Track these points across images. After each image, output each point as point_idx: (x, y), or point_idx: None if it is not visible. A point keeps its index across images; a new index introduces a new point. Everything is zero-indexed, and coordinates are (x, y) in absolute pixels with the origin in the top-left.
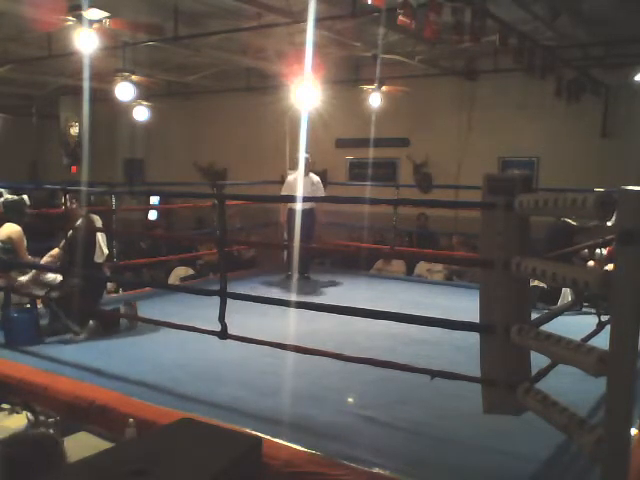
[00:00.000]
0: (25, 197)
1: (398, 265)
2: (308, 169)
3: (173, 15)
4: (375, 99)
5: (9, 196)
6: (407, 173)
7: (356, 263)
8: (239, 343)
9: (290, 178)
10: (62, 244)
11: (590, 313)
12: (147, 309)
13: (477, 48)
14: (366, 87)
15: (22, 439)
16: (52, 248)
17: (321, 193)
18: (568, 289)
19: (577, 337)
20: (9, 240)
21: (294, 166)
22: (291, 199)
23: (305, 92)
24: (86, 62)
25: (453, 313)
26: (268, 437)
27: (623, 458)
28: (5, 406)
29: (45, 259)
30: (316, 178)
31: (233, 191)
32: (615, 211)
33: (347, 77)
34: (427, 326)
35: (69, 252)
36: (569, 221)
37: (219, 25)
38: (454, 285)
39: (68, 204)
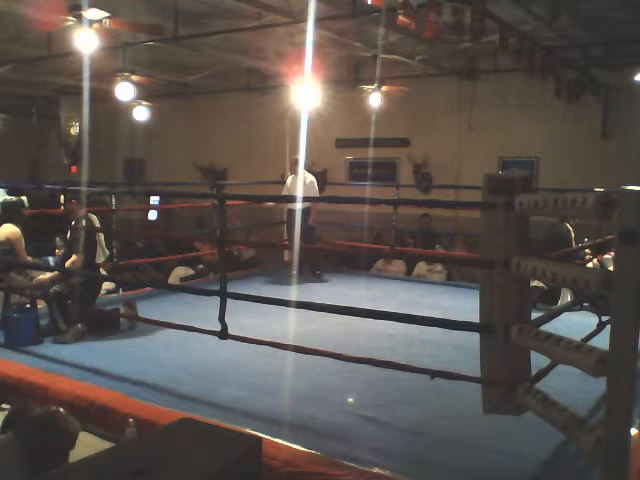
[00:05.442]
0: (24, 199)
1: (398, 265)
2: (296, 169)
3: (173, 15)
4: (375, 99)
5: (8, 197)
6: (407, 173)
7: (356, 263)
8: (239, 343)
9: (287, 180)
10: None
11: (590, 313)
12: (147, 309)
13: (477, 48)
14: (366, 87)
15: (33, 422)
16: (52, 248)
17: (314, 193)
18: (568, 289)
19: (577, 337)
20: (8, 241)
21: (291, 168)
22: (291, 199)
23: (305, 92)
24: (86, 62)
25: (453, 313)
26: (268, 437)
27: (623, 458)
28: (5, 406)
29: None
30: (310, 177)
31: (233, 191)
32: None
33: (347, 77)
34: (427, 326)
35: (69, 251)
36: (568, 227)
37: (219, 25)
38: (454, 285)
39: (68, 204)
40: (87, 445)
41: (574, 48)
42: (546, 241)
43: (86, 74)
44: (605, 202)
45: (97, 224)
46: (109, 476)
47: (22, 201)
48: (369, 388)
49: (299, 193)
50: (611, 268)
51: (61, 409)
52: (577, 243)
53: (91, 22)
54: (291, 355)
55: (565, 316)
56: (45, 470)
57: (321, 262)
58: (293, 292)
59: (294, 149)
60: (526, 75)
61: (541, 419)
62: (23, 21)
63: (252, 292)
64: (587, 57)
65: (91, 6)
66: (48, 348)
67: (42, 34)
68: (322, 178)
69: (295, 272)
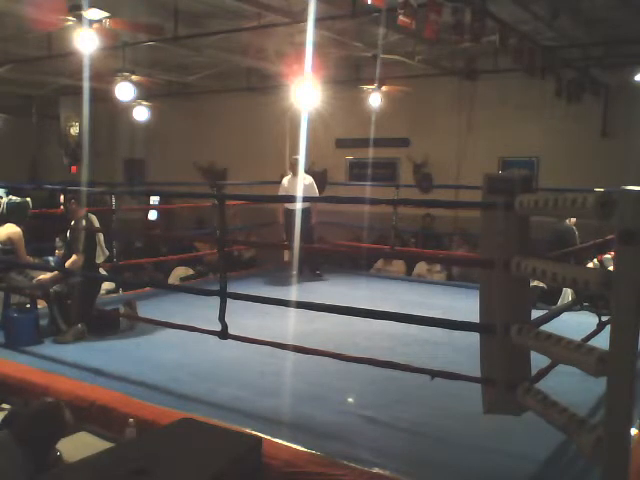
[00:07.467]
0: (29, 200)
1: (398, 265)
2: (296, 169)
3: (173, 15)
4: (375, 99)
5: (13, 197)
6: (407, 173)
7: (356, 263)
8: (239, 343)
9: (284, 180)
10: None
11: (590, 313)
12: (147, 309)
13: (477, 48)
14: (366, 87)
15: (25, 414)
16: (52, 248)
17: (314, 193)
18: (568, 289)
19: (577, 337)
20: (9, 241)
21: (291, 168)
22: (291, 199)
23: (305, 92)
24: (86, 62)
25: (453, 313)
26: (268, 437)
27: (623, 458)
28: (5, 406)
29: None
30: (309, 179)
31: (233, 191)
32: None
33: (347, 77)
34: (427, 326)
35: (69, 251)
36: (572, 226)
37: (219, 25)
38: (454, 285)
39: (68, 204)
40: (87, 445)
41: (574, 48)
42: (552, 241)
43: (86, 74)
44: (605, 202)
45: (97, 224)
46: (109, 476)
47: (27, 202)
48: (369, 388)
49: (299, 193)
50: (611, 268)
51: (54, 400)
52: (582, 241)
53: (91, 22)
54: (291, 355)
55: (565, 316)
56: (38, 460)
57: (321, 262)
58: (293, 292)
59: (294, 149)
60: (526, 75)
61: (541, 419)
62: (23, 21)
63: (252, 292)
64: (587, 57)
65: (91, 6)
66: (48, 348)
67: (42, 34)
68: (322, 178)
69: (295, 272)
